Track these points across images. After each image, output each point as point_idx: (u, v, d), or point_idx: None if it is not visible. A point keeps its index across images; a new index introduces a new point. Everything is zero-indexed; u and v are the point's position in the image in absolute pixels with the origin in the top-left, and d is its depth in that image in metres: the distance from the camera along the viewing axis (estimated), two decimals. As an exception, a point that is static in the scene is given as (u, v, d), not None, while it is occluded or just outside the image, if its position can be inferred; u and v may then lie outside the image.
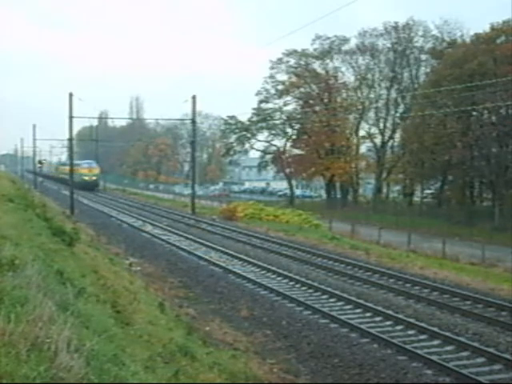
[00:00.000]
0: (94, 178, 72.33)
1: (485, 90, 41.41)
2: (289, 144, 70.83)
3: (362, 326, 12.67)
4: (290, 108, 68.70)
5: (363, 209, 55.41)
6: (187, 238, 27.40)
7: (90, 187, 68.46)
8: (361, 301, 15.07)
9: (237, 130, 71.20)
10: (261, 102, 68.57)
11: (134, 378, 4.81)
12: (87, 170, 71.29)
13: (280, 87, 67.52)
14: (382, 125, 65.06)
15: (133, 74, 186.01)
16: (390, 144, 66.34)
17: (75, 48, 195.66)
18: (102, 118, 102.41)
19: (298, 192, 76.60)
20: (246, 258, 21.71)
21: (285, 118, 69.05)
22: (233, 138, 72.74)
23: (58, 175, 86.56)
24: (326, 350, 11.38)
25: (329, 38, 64.48)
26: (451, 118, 49.28)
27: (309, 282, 17.44)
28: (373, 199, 64.87)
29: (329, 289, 16.48)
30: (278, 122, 69.34)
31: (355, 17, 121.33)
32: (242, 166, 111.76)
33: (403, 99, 62.66)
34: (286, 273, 18.83)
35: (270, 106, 68.94)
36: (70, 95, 38.45)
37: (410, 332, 12.62)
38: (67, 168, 71.66)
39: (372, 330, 12.36)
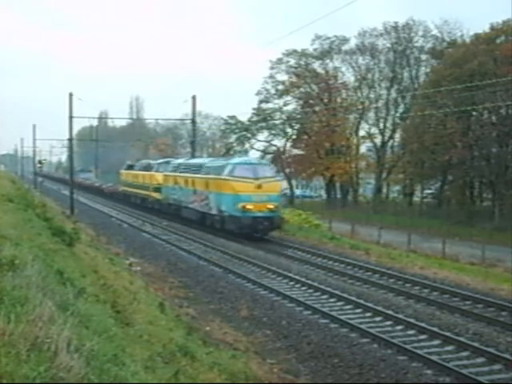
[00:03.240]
0: (272, 206, 26.65)
1: (485, 90, 41.40)
2: (289, 144, 70.84)
3: (362, 326, 12.66)
4: (290, 108, 68.74)
5: (363, 209, 55.34)
6: (187, 238, 27.40)
7: (262, 229, 26.90)
8: (361, 301, 15.05)
9: (237, 130, 71.14)
10: (261, 102, 68.59)
11: (133, 378, 4.82)
12: (253, 185, 26.55)
13: (280, 87, 67.51)
14: (382, 125, 65.05)
15: (133, 73, 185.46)
16: (390, 144, 66.36)
17: (75, 48, 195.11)
18: (102, 118, 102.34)
19: (297, 192, 76.54)
20: (246, 258, 21.70)
21: (285, 118, 69.01)
22: (233, 138, 72.68)
23: (117, 189, 53.09)
24: (326, 350, 11.37)
25: (329, 38, 64.53)
26: (451, 118, 49.24)
27: (309, 281, 17.41)
28: (373, 199, 64.82)
29: (329, 289, 16.46)
30: (277, 121, 69.29)
31: (356, 17, 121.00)
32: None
33: (403, 99, 62.67)
34: (285, 273, 18.81)
35: (270, 106, 68.95)
36: (70, 95, 38.42)
37: (410, 332, 12.61)
38: (133, 175, 47.49)
39: (372, 330, 12.35)
